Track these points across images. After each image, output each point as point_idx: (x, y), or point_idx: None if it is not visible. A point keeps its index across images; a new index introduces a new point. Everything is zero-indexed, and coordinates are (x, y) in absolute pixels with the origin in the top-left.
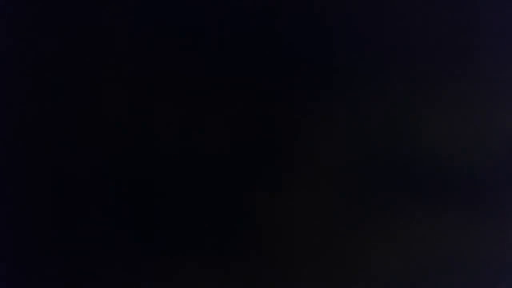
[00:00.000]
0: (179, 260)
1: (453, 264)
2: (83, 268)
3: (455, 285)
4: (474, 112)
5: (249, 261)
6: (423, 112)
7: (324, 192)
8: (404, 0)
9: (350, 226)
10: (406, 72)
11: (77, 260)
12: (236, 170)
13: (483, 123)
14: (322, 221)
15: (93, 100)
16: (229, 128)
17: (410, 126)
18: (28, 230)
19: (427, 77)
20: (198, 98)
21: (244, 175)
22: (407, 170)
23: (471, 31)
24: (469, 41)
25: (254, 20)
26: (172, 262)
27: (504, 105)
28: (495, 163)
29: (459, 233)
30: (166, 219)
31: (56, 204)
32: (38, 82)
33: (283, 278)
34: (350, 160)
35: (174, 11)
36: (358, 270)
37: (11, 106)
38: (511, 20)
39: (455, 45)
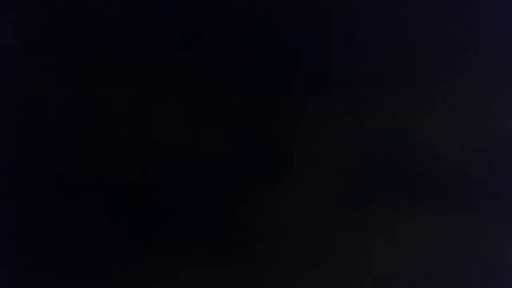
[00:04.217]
0: (179, 260)
1: (453, 264)
2: (83, 268)
3: (456, 285)
4: (474, 112)
5: (248, 261)
6: (423, 112)
7: (324, 192)
8: (405, 1)
9: (350, 226)
10: (406, 72)
11: (76, 260)
12: (236, 170)
13: (483, 123)
14: (322, 221)
15: (93, 100)
16: (229, 128)
17: (410, 126)
18: (28, 230)
19: (427, 78)
20: (198, 98)
21: (244, 175)
22: (407, 170)
23: (471, 32)
24: (469, 41)
25: (254, 20)
26: (172, 262)
27: (503, 105)
28: (495, 163)
29: (459, 233)
30: (166, 219)
31: (55, 204)
32: (38, 82)
33: (283, 278)
34: (350, 160)
35: (175, 11)
36: (358, 270)
37: (11, 105)
38: (511, 20)
39: (455, 46)
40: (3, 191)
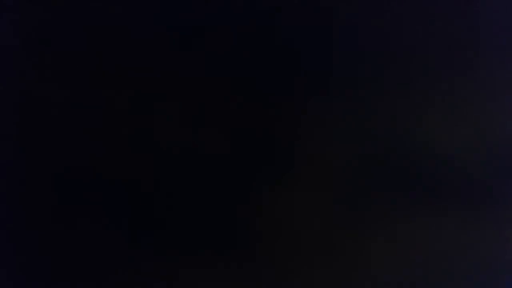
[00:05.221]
0: (179, 260)
1: (453, 264)
2: (83, 268)
3: (456, 285)
4: (474, 112)
5: (249, 261)
6: (423, 112)
7: (324, 192)
8: (405, 1)
9: (350, 226)
10: (406, 72)
11: (76, 260)
12: (236, 170)
13: (483, 123)
14: (322, 221)
15: (93, 100)
16: (229, 128)
17: (410, 126)
18: (28, 230)
19: (427, 78)
20: (198, 98)
21: (244, 175)
22: (407, 170)
23: (471, 32)
24: (469, 41)
25: (254, 20)
26: (172, 262)
27: (504, 105)
28: (495, 163)
29: (459, 233)
30: (166, 219)
31: (55, 204)
32: (38, 82)
33: (283, 278)
34: (350, 160)
35: (175, 11)
36: (358, 270)
37: (11, 105)
38: (511, 20)
39: (455, 46)
40: (3, 191)
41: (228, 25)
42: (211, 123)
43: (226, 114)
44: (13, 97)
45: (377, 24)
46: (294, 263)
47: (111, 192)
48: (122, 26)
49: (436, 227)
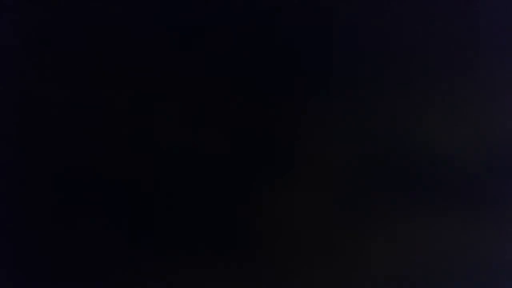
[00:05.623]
0: (179, 260)
1: (453, 264)
2: (83, 268)
3: (456, 285)
4: (474, 112)
5: (248, 261)
6: (423, 112)
7: (324, 192)
8: (405, 1)
9: (350, 226)
10: (406, 72)
11: (76, 260)
12: (236, 170)
13: (483, 123)
14: (322, 221)
15: (93, 100)
16: (229, 128)
17: (410, 126)
18: (28, 230)
19: (427, 78)
20: (198, 98)
21: (244, 175)
22: (407, 170)
23: (471, 32)
24: (469, 41)
25: (254, 20)
26: (172, 262)
27: (504, 105)
28: (495, 163)
29: (459, 233)
30: (166, 219)
31: (55, 204)
32: (38, 82)
33: (283, 278)
34: (350, 160)
35: (175, 11)
36: (358, 270)
37: (11, 105)
38: (511, 20)
39: (455, 46)
40: (3, 191)
41: (228, 25)
42: (211, 123)
43: (226, 114)
44: (13, 97)
45: (377, 24)
46: (294, 263)
47: (111, 192)
48: (122, 26)
49: (436, 227)
